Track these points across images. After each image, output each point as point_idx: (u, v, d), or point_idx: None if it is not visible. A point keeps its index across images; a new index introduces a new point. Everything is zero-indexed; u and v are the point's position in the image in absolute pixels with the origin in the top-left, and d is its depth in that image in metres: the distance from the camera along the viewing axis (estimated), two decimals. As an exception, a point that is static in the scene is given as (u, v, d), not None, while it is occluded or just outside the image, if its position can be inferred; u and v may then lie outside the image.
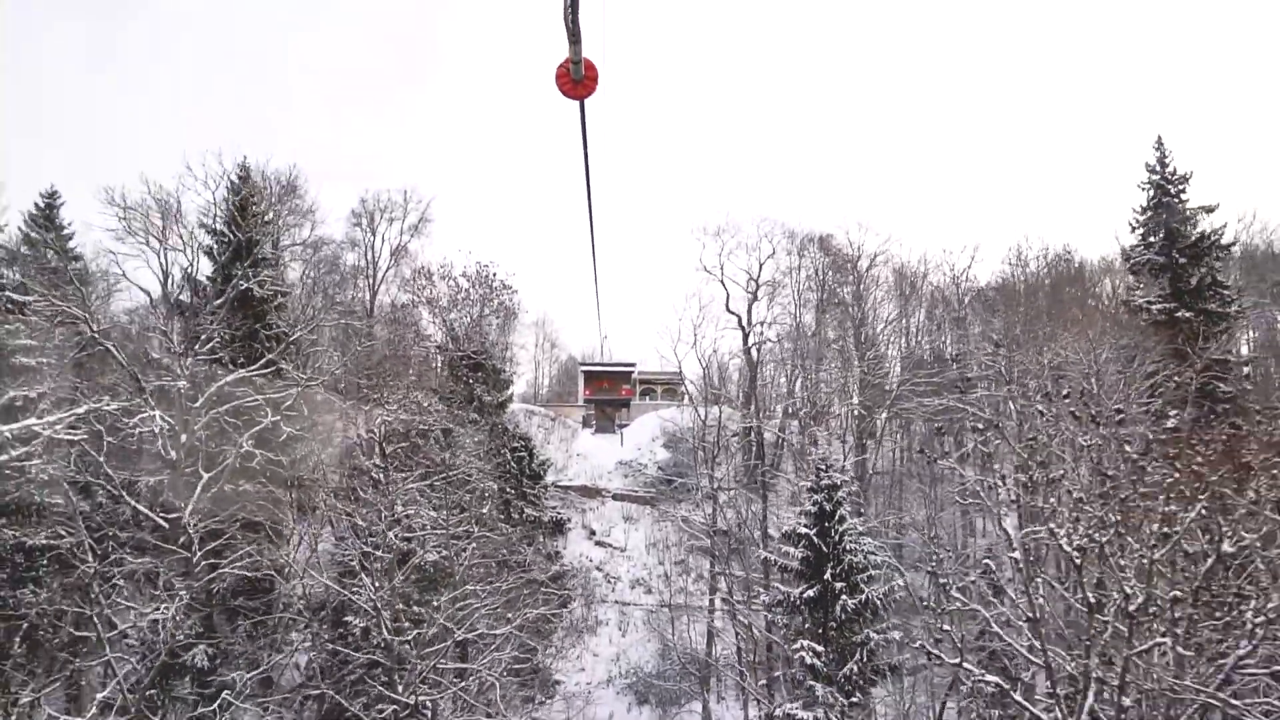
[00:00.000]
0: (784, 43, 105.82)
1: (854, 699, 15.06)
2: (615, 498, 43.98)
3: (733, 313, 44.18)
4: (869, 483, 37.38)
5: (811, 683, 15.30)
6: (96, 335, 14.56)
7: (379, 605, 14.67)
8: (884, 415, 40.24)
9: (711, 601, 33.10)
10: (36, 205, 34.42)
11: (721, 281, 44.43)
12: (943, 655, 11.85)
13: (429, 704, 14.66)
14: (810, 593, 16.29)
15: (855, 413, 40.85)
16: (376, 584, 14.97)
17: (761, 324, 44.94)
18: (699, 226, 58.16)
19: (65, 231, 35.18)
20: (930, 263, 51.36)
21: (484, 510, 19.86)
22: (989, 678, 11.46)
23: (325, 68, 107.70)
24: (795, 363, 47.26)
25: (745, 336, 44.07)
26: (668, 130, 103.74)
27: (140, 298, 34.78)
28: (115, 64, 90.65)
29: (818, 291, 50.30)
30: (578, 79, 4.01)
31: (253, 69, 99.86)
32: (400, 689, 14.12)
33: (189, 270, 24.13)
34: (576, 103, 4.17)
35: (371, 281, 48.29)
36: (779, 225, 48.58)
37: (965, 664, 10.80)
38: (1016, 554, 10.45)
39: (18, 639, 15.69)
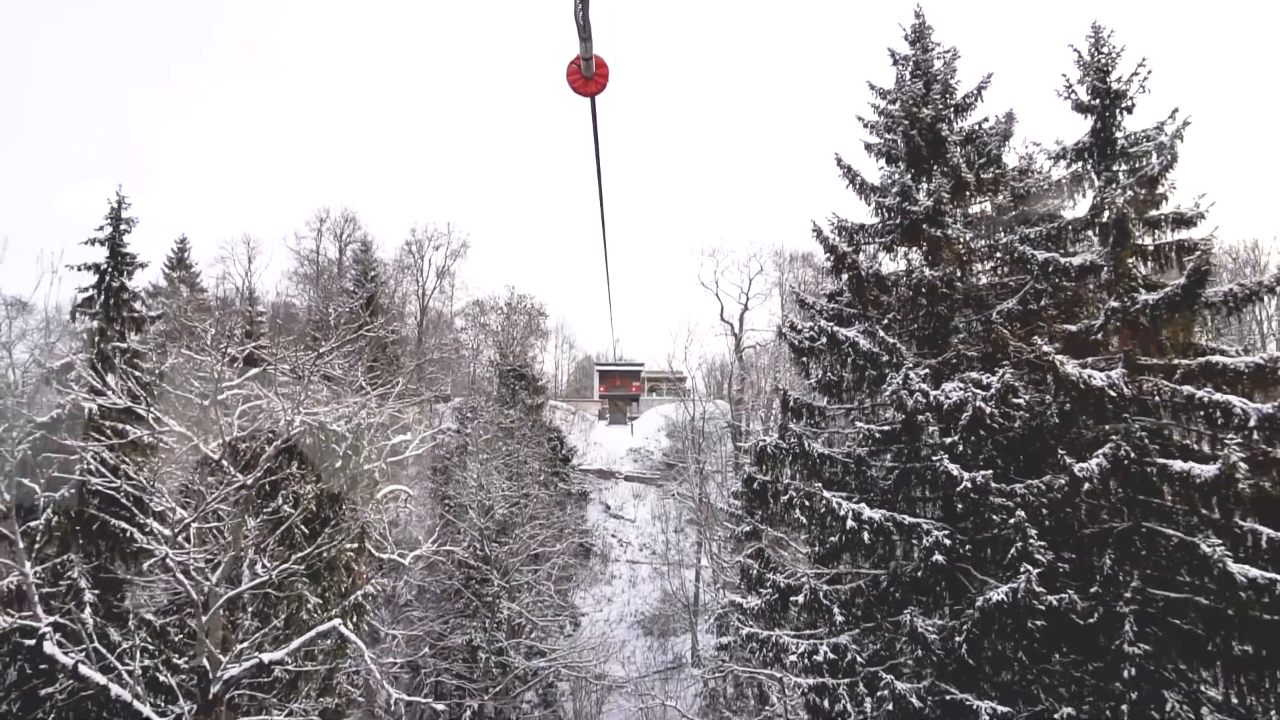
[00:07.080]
0: (762, 62, 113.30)
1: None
2: (627, 479, 51.52)
3: (726, 321, 53.16)
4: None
5: (748, 586, 24.48)
6: (308, 378, 23.64)
7: (482, 533, 24.00)
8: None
9: (699, 558, 42.12)
10: (172, 249, 44.03)
11: (717, 295, 53.59)
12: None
13: (507, 592, 24.05)
14: (748, 529, 25.54)
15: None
16: (480, 521, 24.30)
17: (750, 331, 53.87)
18: (697, 248, 67.14)
19: (193, 270, 44.95)
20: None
21: (540, 479, 29.27)
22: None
23: (334, 75, 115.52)
24: (778, 366, 55.99)
25: (737, 342, 53.06)
26: (666, 140, 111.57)
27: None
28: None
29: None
30: (588, 76, 4.14)
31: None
32: (498, 580, 23.49)
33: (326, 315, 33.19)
34: (587, 100, 4.28)
35: (421, 300, 57.96)
36: (767, 244, 56.85)
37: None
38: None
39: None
